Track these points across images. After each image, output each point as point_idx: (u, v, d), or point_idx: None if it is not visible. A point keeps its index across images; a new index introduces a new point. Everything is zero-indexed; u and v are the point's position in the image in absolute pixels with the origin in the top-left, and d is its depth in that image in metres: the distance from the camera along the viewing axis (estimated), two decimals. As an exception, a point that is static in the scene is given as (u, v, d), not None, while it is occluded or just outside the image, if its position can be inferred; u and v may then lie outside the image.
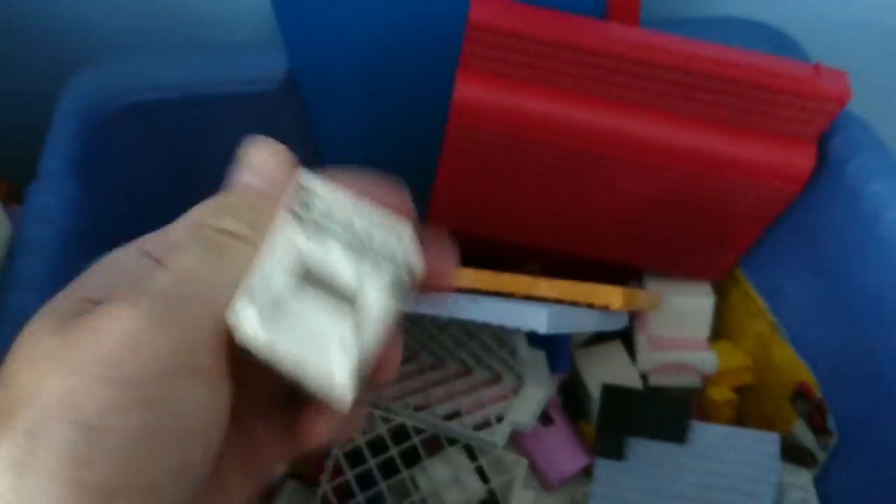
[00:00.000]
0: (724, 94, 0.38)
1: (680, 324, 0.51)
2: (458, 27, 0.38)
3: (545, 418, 0.46)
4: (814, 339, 0.45)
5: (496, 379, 0.45)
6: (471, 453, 0.45)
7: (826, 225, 0.43)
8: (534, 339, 0.43)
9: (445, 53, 0.41)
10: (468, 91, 0.39)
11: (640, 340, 0.50)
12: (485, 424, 0.43)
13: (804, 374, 0.45)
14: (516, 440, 0.46)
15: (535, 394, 0.43)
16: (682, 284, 0.51)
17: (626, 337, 0.51)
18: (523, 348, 0.39)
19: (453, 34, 0.39)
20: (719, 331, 0.53)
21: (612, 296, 0.39)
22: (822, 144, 0.41)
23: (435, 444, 0.46)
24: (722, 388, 0.50)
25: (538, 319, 0.34)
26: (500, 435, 0.42)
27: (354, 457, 0.45)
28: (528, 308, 0.35)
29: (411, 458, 0.45)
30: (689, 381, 0.50)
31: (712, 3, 0.51)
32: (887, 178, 0.39)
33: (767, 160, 0.41)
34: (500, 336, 0.40)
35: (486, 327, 0.40)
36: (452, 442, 0.45)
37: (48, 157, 0.38)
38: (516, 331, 0.39)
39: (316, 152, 0.48)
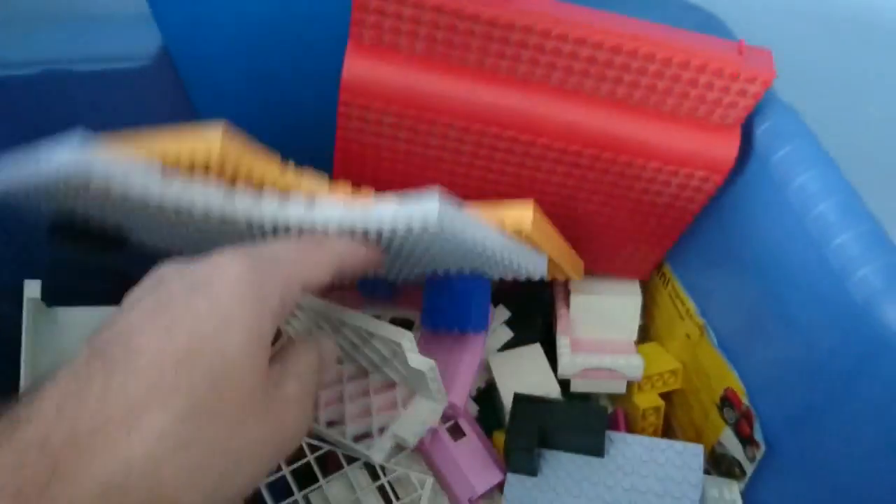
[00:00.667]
0: (641, 74, 0.35)
1: (605, 325, 0.48)
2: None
3: (455, 431, 0.42)
4: (742, 342, 0.42)
5: (391, 385, 0.41)
6: (372, 471, 0.41)
7: (753, 220, 0.40)
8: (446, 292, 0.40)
9: (336, 22, 0.37)
10: (358, 67, 0.35)
11: (562, 343, 0.47)
12: (366, 436, 0.39)
13: (731, 379, 0.42)
14: (424, 455, 0.42)
15: (424, 407, 0.39)
16: (607, 283, 0.48)
17: (548, 342, 0.48)
18: (412, 353, 0.35)
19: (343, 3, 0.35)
20: (647, 333, 0.49)
21: (524, 216, 0.35)
22: (748, 133, 0.38)
23: (332, 463, 0.42)
24: (649, 395, 0.46)
25: (428, 211, 0.29)
26: (377, 450, 0.38)
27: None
28: (417, 203, 0.30)
29: (306, 477, 0.40)
30: (614, 386, 0.47)
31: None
32: (816, 169, 0.36)
33: (688, 147, 0.37)
34: (391, 343, 0.36)
35: (377, 331, 0.36)
36: (351, 460, 0.41)
37: None
38: (403, 337, 0.36)
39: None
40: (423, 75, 0.35)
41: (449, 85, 0.35)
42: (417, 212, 0.29)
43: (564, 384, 0.47)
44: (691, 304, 0.46)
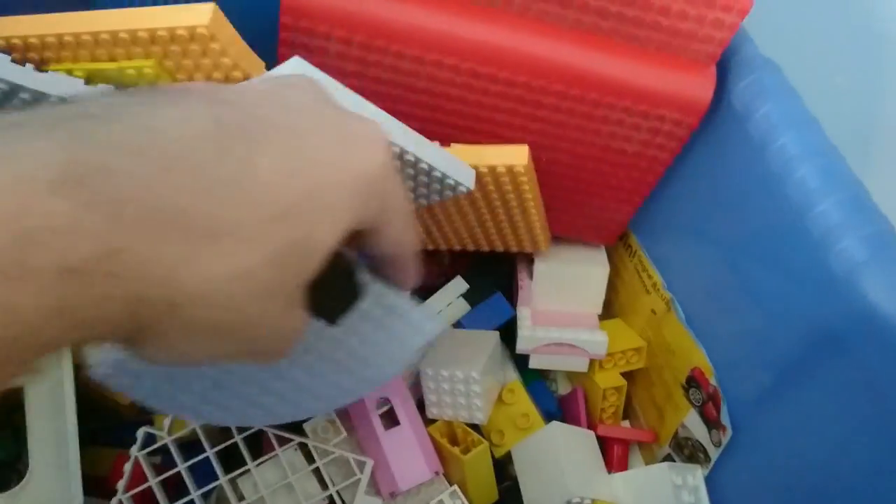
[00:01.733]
0: (611, 0, 0.32)
1: (569, 297, 0.44)
2: None
3: (390, 419, 0.38)
4: (709, 318, 0.39)
5: None
6: (307, 454, 0.37)
7: (726, 186, 0.37)
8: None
9: None
10: None
11: (523, 315, 0.43)
12: None
13: (699, 358, 0.39)
14: (358, 443, 0.39)
15: None
16: (573, 252, 0.45)
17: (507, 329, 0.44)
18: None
19: None
20: (610, 308, 0.46)
21: (519, 152, 0.32)
22: (725, 89, 0.35)
23: (262, 444, 0.38)
24: (610, 373, 0.44)
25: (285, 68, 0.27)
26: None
27: (161, 459, 0.37)
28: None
29: (232, 460, 0.37)
30: (575, 364, 0.44)
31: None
32: (798, 130, 0.33)
33: (659, 84, 0.34)
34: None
35: None
36: (283, 441, 0.37)
37: None
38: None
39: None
40: None
41: (403, 8, 0.32)
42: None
43: (523, 360, 0.44)
44: (658, 278, 0.43)
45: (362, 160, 0.22)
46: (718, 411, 0.38)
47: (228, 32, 0.27)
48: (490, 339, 0.42)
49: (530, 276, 0.45)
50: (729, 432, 0.37)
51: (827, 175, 0.32)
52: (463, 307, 0.43)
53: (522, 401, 0.42)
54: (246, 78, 0.28)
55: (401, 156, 0.29)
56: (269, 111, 0.21)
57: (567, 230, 0.43)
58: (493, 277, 0.46)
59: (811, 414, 0.33)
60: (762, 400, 0.36)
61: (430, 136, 0.33)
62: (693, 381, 0.40)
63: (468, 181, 0.32)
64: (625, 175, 0.38)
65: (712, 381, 0.38)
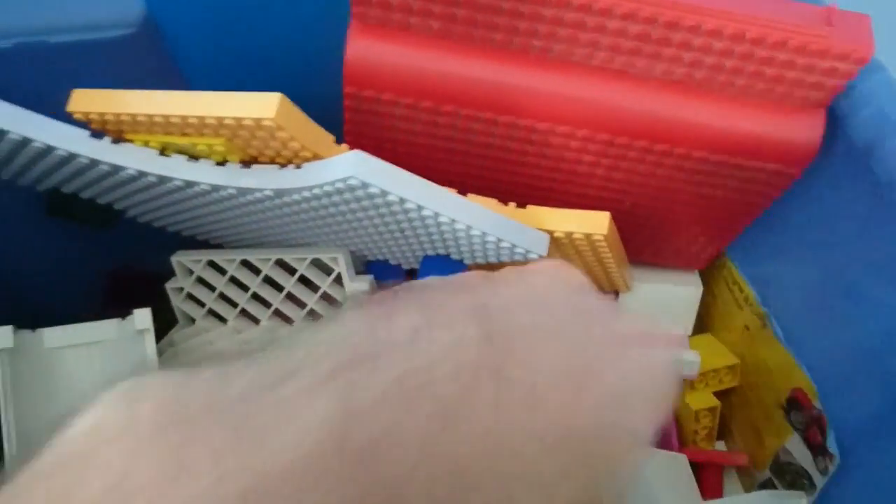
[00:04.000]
0: (705, 52, 0.29)
1: (660, 316, 0.42)
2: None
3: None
4: (811, 337, 0.37)
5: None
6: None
7: (835, 207, 0.34)
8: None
9: None
10: (363, 51, 0.29)
11: (608, 334, 0.42)
12: None
13: (800, 378, 0.37)
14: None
15: None
16: (663, 271, 0.43)
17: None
18: (348, 276, 0.33)
19: None
20: (699, 322, 0.44)
21: (598, 222, 0.30)
22: (841, 118, 0.31)
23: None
24: (702, 394, 0.41)
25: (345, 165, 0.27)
26: None
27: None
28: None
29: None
30: (663, 384, 0.41)
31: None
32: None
33: (757, 135, 0.31)
34: (325, 265, 0.33)
35: (304, 258, 0.34)
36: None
37: None
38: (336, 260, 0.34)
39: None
40: (440, 58, 0.29)
41: (472, 69, 0.30)
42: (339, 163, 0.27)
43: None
44: (751, 292, 0.40)
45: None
46: (824, 436, 0.35)
47: (296, 119, 0.27)
48: None
49: (615, 293, 0.43)
50: (836, 459, 0.35)
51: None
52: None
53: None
54: (315, 157, 0.28)
55: (467, 230, 0.29)
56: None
57: (653, 258, 0.41)
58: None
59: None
60: (875, 425, 0.33)
61: (506, 194, 0.32)
62: (794, 403, 0.37)
63: (540, 249, 0.31)
64: (716, 216, 0.36)
65: (816, 404, 0.36)
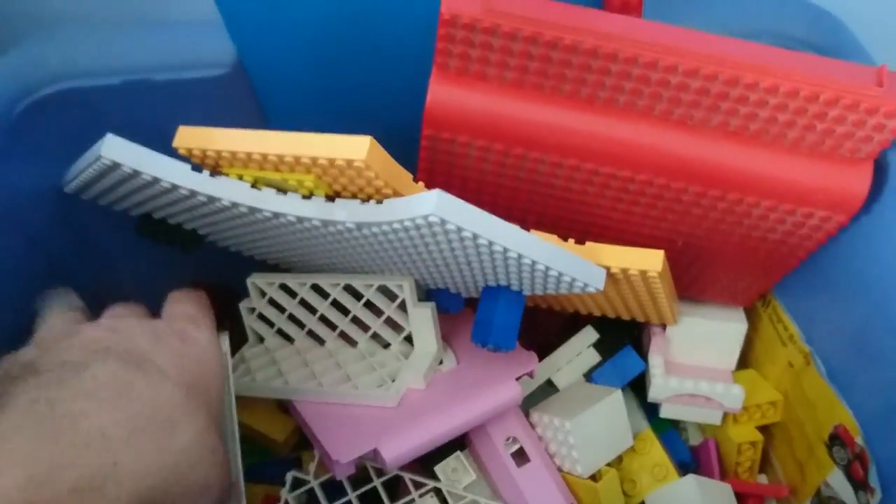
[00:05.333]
0: (760, 106, 0.31)
1: (703, 350, 0.44)
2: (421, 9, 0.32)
3: (520, 456, 0.39)
4: (855, 374, 0.38)
5: (385, 347, 0.40)
6: (443, 500, 0.39)
7: (881, 246, 0.35)
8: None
9: (410, 37, 0.35)
10: (443, 96, 0.32)
11: (655, 363, 0.43)
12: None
13: (843, 415, 0.38)
14: (489, 481, 0.40)
15: (426, 352, 0.38)
16: (708, 307, 0.44)
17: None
18: (411, 302, 0.35)
19: (416, 17, 0.34)
20: (744, 358, 0.45)
21: (653, 260, 0.32)
22: (890, 163, 0.34)
23: (399, 489, 0.40)
24: (745, 427, 0.43)
25: (424, 203, 0.29)
26: (394, 392, 0.37)
27: (306, 498, 0.39)
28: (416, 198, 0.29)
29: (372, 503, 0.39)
30: (708, 416, 0.43)
31: None
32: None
33: (808, 184, 0.33)
34: (390, 291, 0.36)
35: (371, 284, 0.37)
36: (419, 486, 0.39)
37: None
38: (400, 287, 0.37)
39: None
40: (513, 105, 0.32)
41: (542, 116, 0.32)
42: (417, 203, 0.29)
43: (652, 408, 0.44)
44: (795, 329, 0.42)
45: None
46: (866, 472, 0.37)
47: (382, 160, 0.29)
48: (606, 393, 0.41)
49: (662, 325, 0.45)
50: (878, 495, 0.36)
51: None
52: (593, 357, 0.44)
53: (655, 450, 0.42)
54: (394, 193, 0.30)
55: (532, 265, 0.31)
56: None
57: (700, 294, 0.43)
58: (624, 326, 0.46)
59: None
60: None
61: (564, 230, 0.35)
62: (837, 439, 0.39)
63: (598, 283, 0.33)
64: (765, 257, 0.38)
65: (858, 441, 0.37)
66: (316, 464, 0.39)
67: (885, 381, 0.36)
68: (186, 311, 0.34)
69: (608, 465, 0.40)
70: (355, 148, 0.29)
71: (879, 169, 0.34)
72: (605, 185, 0.34)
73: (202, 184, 0.32)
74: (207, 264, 0.46)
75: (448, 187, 0.36)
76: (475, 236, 0.29)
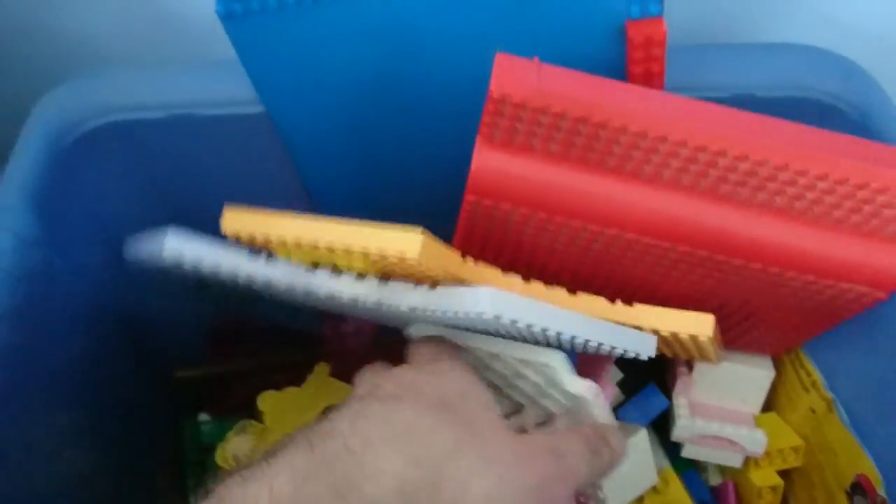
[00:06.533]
0: (808, 189, 0.31)
1: (729, 394, 0.44)
2: (449, 75, 0.34)
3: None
4: (878, 424, 0.39)
5: (550, 418, 0.38)
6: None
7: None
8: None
9: (443, 94, 0.36)
10: (488, 165, 0.32)
11: (680, 404, 0.44)
12: None
13: (865, 464, 0.38)
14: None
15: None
16: (736, 351, 0.45)
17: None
18: (568, 374, 0.33)
19: (445, 83, 0.35)
20: (766, 401, 0.46)
21: (703, 324, 0.33)
22: None
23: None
24: (766, 472, 0.43)
25: (477, 300, 0.28)
26: None
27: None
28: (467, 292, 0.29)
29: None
30: (729, 458, 0.43)
31: (760, 26, 0.44)
32: None
33: (850, 260, 0.33)
34: (543, 367, 0.34)
35: (528, 356, 0.34)
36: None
37: (4, 187, 0.34)
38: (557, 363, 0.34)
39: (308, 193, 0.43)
40: (557, 176, 0.32)
41: (585, 187, 0.32)
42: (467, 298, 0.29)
43: (674, 447, 0.44)
44: (818, 376, 0.42)
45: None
46: (887, 523, 0.37)
47: (435, 254, 0.29)
48: (633, 432, 0.41)
49: (688, 365, 0.45)
50: (899, 546, 0.36)
51: None
52: (618, 395, 0.45)
53: (676, 490, 0.43)
54: (445, 272, 0.30)
55: (585, 342, 0.31)
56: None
57: (730, 345, 0.43)
58: (648, 365, 0.47)
59: None
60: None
61: (611, 292, 0.35)
62: (858, 488, 0.39)
63: (649, 351, 0.33)
64: (800, 320, 0.38)
65: (880, 492, 0.37)
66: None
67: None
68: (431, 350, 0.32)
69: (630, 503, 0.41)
70: (408, 244, 0.28)
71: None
72: (645, 251, 0.35)
73: (258, 269, 0.31)
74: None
75: (485, 248, 0.37)
76: (529, 325, 0.30)
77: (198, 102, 0.40)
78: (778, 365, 0.45)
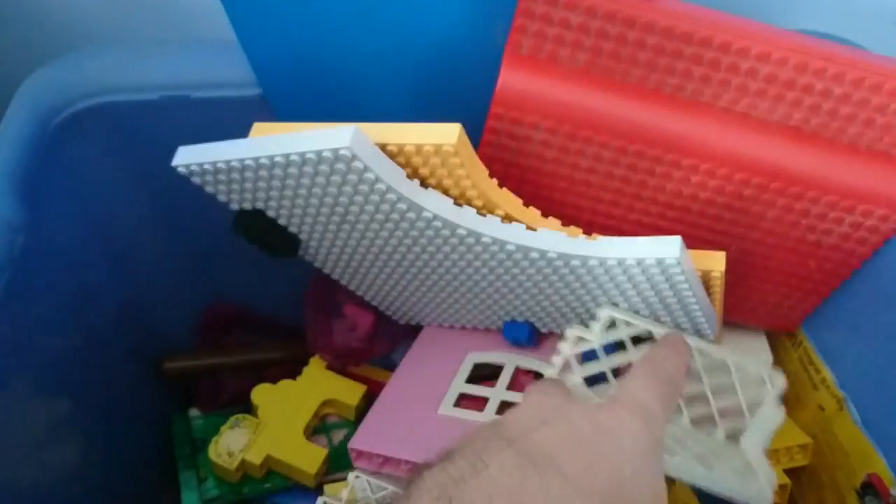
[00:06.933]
0: (825, 96, 0.32)
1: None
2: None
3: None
4: (890, 423, 0.38)
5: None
6: None
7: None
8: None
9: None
10: (515, 78, 0.33)
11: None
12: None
13: (876, 463, 0.37)
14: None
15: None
16: (733, 337, 0.44)
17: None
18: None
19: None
20: (773, 398, 0.45)
21: (716, 260, 0.33)
22: None
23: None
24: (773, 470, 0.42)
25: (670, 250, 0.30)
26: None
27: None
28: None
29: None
30: (734, 456, 0.42)
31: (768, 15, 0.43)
32: None
33: (871, 181, 0.33)
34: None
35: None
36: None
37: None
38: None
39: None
40: (582, 90, 0.33)
41: (610, 101, 0.33)
42: (656, 248, 0.30)
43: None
44: (828, 373, 0.41)
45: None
46: (900, 524, 0.36)
47: (468, 149, 0.30)
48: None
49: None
50: (912, 547, 0.35)
51: None
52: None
53: (680, 488, 0.41)
54: (473, 184, 0.30)
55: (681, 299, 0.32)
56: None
57: (742, 316, 0.42)
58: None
59: None
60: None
61: (623, 220, 0.36)
62: (870, 488, 0.38)
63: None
64: (816, 266, 0.38)
65: (893, 492, 0.36)
66: (349, 491, 0.38)
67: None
68: (641, 396, 0.26)
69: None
70: (446, 134, 0.29)
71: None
72: (667, 175, 0.35)
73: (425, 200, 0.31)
74: (227, 280, 0.45)
75: (506, 178, 0.36)
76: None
77: (192, 84, 0.38)
78: (786, 361, 0.44)
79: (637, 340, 0.35)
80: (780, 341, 0.45)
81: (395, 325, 0.45)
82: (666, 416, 0.26)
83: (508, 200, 0.32)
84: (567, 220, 0.34)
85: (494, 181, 0.31)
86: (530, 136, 0.34)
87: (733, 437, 0.37)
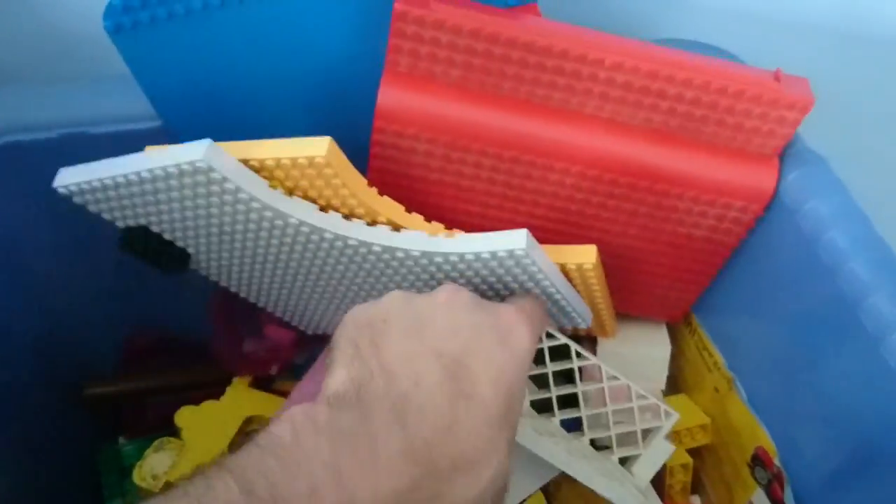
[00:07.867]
0: (678, 100, 0.35)
1: (633, 375, 0.46)
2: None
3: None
4: (771, 399, 0.41)
5: None
6: None
7: (782, 272, 0.38)
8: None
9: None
10: (393, 94, 0.35)
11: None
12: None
13: (762, 438, 0.40)
14: None
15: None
16: (635, 331, 0.47)
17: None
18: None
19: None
20: (675, 384, 0.48)
21: (588, 253, 0.35)
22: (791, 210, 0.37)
23: None
24: (677, 451, 0.44)
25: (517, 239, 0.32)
26: None
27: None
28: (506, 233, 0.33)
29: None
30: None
31: (654, 25, 0.46)
32: (845, 224, 0.35)
33: (727, 176, 0.37)
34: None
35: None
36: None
37: None
38: None
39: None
40: (457, 103, 0.35)
41: (484, 112, 0.35)
42: (505, 240, 0.32)
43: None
44: (719, 357, 0.44)
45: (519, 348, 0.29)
46: (782, 491, 0.39)
47: (341, 160, 0.32)
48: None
49: (592, 352, 0.47)
50: (795, 513, 0.38)
51: (877, 268, 0.33)
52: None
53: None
54: (351, 193, 0.32)
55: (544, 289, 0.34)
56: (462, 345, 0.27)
57: (634, 309, 0.45)
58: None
59: (877, 501, 0.34)
60: (829, 484, 0.36)
61: (511, 223, 0.38)
62: (758, 460, 0.41)
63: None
64: (692, 258, 0.41)
65: (776, 462, 0.39)
66: None
67: (799, 414, 0.38)
68: (523, 306, 0.31)
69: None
70: (316, 147, 0.31)
71: (777, 199, 0.37)
72: (544, 179, 0.37)
73: (279, 202, 0.32)
74: (148, 308, 0.46)
75: (398, 188, 0.38)
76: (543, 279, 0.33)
77: (89, 120, 0.39)
78: (684, 348, 0.47)
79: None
80: (679, 329, 0.47)
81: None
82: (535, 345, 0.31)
83: (389, 207, 0.34)
84: (461, 226, 0.36)
85: (374, 189, 0.33)
86: (415, 148, 0.36)
87: (626, 461, 0.41)
